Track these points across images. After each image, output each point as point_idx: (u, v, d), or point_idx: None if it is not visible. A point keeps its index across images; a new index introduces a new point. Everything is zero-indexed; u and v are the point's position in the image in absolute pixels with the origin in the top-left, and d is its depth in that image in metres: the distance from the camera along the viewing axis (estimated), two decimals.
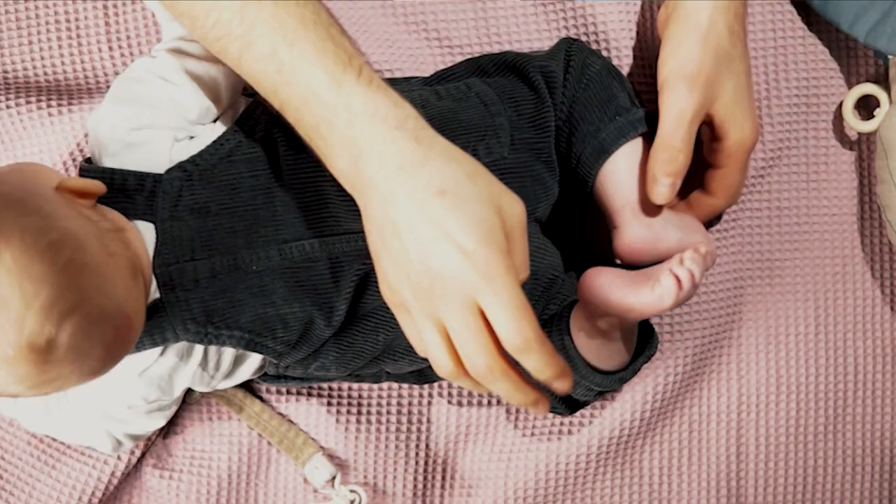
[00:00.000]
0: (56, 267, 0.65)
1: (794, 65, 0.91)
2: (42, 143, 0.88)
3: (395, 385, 0.94)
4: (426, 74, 0.90)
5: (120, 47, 0.91)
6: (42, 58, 0.91)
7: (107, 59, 0.91)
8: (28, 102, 0.89)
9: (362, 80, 0.67)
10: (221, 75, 0.79)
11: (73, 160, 0.89)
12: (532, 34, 0.91)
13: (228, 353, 0.80)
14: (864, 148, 0.92)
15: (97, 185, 0.74)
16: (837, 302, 0.93)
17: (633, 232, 0.80)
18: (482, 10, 0.92)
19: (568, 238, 0.87)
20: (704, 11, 0.78)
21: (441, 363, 0.67)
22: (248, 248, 0.76)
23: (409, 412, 0.94)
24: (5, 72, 0.91)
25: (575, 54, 0.82)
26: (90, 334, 0.67)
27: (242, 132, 0.78)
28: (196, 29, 0.69)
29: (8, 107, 0.89)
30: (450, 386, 0.94)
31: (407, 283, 0.66)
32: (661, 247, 0.79)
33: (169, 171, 0.76)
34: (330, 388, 0.94)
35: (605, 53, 0.90)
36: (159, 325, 0.75)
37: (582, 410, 0.92)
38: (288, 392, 0.94)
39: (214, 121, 0.80)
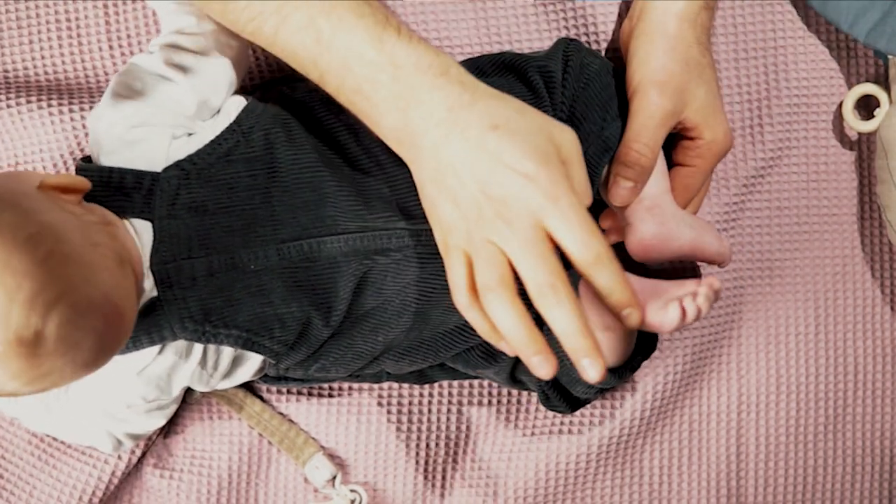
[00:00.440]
0: (36, 259, 0.65)
1: (795, 65, 0.91)
2: (42, 143, 0.88)
3: (395, 385, 0.94)
4: None
5: (120, 46, 0.91)
6: (42, 57, 0.91)
7: (107, 59, 0.91)
8: (28, 102, 0.89)
9: (403, 36, 0.68)
10: (219, 70, 0.79)
11: (74, 159, 0.89)
12: (532, 34, 0.91)
13: (227, 352, 0.80)
14: (864, 148, 0.92)
15: (81, 181, 0.74)
16: (837, 302, 0.93)
17: (645, 229, 0.80)
18: (482, 11, 0.92)
19: None
20: (672, 23, 0.79)
21: (498, 288, 0.66)
22: (245, 247, 0.76)
23: (409, 412, 0.94)
24: (6, 71, 0.91)
25: (573, 54, 0.82)
26: (78, 324, 0.66)
27: (241, 131, 0.78)
28: (228, 13, 0.70)
29: (9, 106, 0.88)
30: (450, 385, 0.94)
31: (468, 220, 0.67)
32: (674, 245, 0.79)
33: (166, 169, 0.76)
34: (330, 388, 0.94)
35: (605, 54, 0.90)
36: (157, 323, 0.75)
37: (582, 410, 0.92)
38: (288, 392, 0.94)
39: (213, 118, 0.80)
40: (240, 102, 0.81)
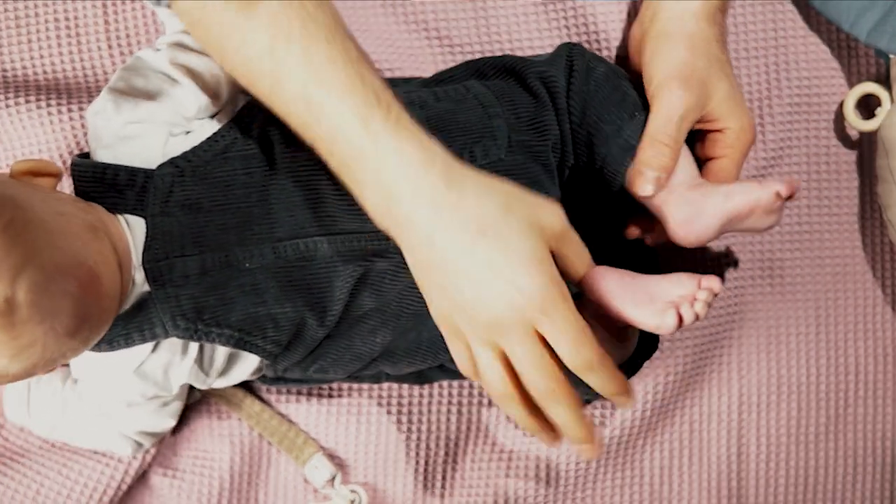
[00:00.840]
0: None
1: (795, 64, 0.91)
2: (42, 143, 0.88)
3: (395, 385, 0.94)
4: (426, 73, 0.89)
5: (119, 46, 0.91)
6: (41, 56, 0.91)
7: (106, 58, 0.91)
8: (28, 102, 0.89)
9: (390, 120, 0.68)
10: (223, 72, 0.79)
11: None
12: (532, 33, 0.91)
13: (221, 350, 0.79)
14: (865, 147, 0.92)
15: (49, 165, 0.75)
16: (838, 302, 0.93)
17: (677, 213, 0.79)
18: (482, 10, 0.92)
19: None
20: (691, 21, 0.80)
21: (498, 388, 0.70)
22: (241, 245, 0.76)
23: (409, 412, 0.94)
24: (4, 71, 0.91)
25: (577, 59, 0.82)
26: (49, 289, 0.66)
27: (238, 129, 0.78)
28: (225, 62, 0.70)
29: (7, 106, 0.88)
30: (450, 385, 0.94)
31: (461, 315, 0.69)
32: (711, 218, 0.78)
33: (161, 166, 0.76)
34: (330, 389, 0.94)
35: (605, 54, 0.90)
36: (149, 319, 0.75)
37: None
38: (288, 392, 0.94)
39: (212, 116, 0.80)
40: (240, 100, 0.81)
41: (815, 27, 0.91)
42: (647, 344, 0.83)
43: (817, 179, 0.92)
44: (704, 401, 0.93)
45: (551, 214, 0.70)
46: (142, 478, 0.94)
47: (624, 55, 0.89)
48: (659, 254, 0.88)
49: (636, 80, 0.82)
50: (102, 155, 0.77)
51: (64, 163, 0.89)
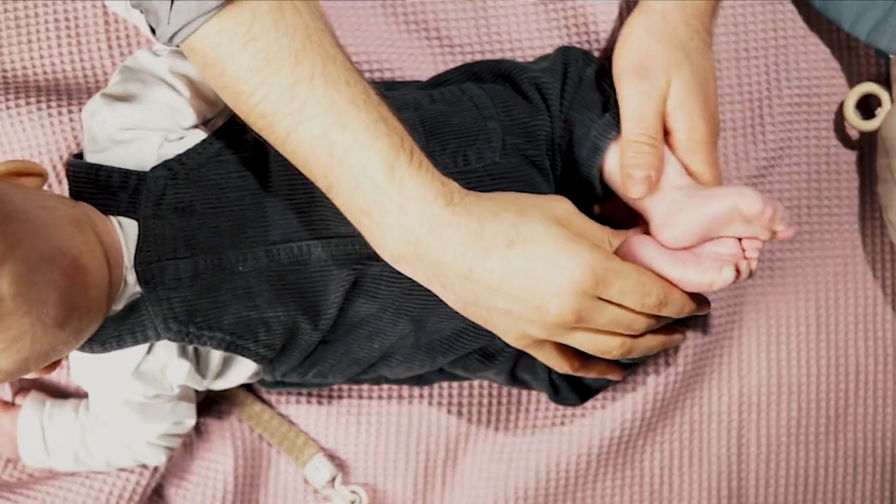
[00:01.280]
0: None
1: (795, 64, 0.91)
2: (41, 144, 0.88)
3: (394, 386, 0.94)
4: (426, 74, 0.89)
5: (119, 46, 0.91)
6: (41, 57, 0.91)
7: (106, 59, 0.91)
8: (28, 103, 0.88)
9: (413, 163, 0.67)
10: None
11: None
12: (532, 33, 0.91)
13: (216, 353, 0.79)
14: (865, 147, 0.92)
15: (33, 165, 0.74)
16: (839, 302, 0.93)
17: (658, 215, 0.75)
18: (482, 10, 0.92)
19: None
20: (658, 5, 0.79)
21: (614, 347, 0.72)
22: (234, 248, 0.76)
23: (409, 412, 0.94)
24: (4, 71, 0.91)
25: (571, 65, 0.82)
26: (32, 279, 0.66)
27: (233, 133, 0.78)
28: (240, 104, 0.68)
29: (7, 107, 0.88)
30: (450, 386, 0.94)
31: (533, 325, 0.69)
32: (686, 216, 0.74)
33: (154, 169, 0.76)
34: (330, 389, 0.94)
35: (604, 53, 0.90)
36: (140, 321, 0.75)
37: (582, 410, 0.92)
38: (289, 393, 0.94)
39: (207, 122, 0.80)
40: None
41: (815, 27, 0.91)
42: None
43: (817, 179, 0.92)
44: (704, 401, 0.93)
45: (560, 206, 0.71)
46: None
47: None
48: None
49: None
50: (96, 157, 0.77)
51: (64, 164, 0.89)
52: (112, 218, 0.76)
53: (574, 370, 0.76)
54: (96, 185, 0.76)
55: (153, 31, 0.68)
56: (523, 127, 0.80)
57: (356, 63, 0.87)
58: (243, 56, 0.66)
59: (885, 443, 0.93)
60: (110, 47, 0.91)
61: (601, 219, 0.77)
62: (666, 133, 0.78)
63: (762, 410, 0.93)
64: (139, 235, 0.75)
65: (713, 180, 0.78)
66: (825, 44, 0.91)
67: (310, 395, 0.94)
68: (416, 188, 0.67)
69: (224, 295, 0.76)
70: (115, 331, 0.75)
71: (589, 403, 0.92)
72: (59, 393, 0.92)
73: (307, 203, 0.76)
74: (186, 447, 0.93)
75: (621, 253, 0.73)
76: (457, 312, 0.72)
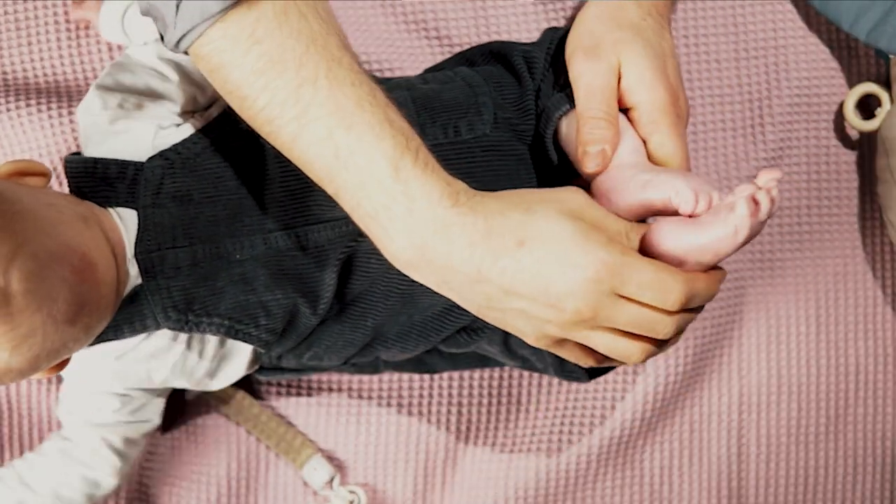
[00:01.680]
0: None
1: (795, 64, 0.91)
2: (41, 146, 0.89)
3: (394, 385, 0.94)
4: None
5: (119, 48, 0.91)
6: (41, 59, 0.91)
7: (106, 61, 0.91)
8: (28, 105, 0.89)
9: (419, 164, 0.66)
10: None
11: None
12: (532, 32, 0.91)
13: (211, 347, 0.80)
14: (865, 147, 0.92)
15: (36, 164, 0.74)
16: (839, 302, 0.93)
17: (601, 185, 0.73)
18: (482, 9, 0.92)
19: None
20: None
21: (635, 353, 0.69)
22: (231, 236, 0.76)
23: (409, 412, 0.94)
24: (4, 73, 0.91)
25: (557, 41, 0.82)
26: (43, 275, 0.66)
27: (228, 122, 0.78)
28: (245, 109, 0.68)
29: (7, 109, 0.89)
30: (450, 385, 0.94)
31: (550, 325, 0.68)
32: (624, 194, 0.71)
33: (151, 159, 0.76)
34: (329, 388, 0.94)
35: None
36: (140, 311, 0.75)
37: (582, 410, 0.92)
38: (288, 393, 0.94)
39: (202, 110, 0.80)
40: None
41: (815, 27, 0.91)
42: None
43: (817, 179, 0.92)
44: (704, 401, 0.93)
45: (574, 198, 0.69)
46: (139, 487, 0.94)
47: None
48: None
49: None
50: (93, 150, 0.78)
51: (62, 162, 0.89)
52: (112, 210, 0.76)
53: (598, 363, 0.74)
54: (94, 177, 0.76)
55: (162, 38, 0.69)
56: (514, 104, 0.80)
57: None
58: (247, 60, 0.66)
59: (885, 443, 0.93)
60: (110, 49, 0.91)
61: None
62: (628, 110, 0.76)
63: (762, 410, 0.93)
64: (139, 224, 0.76)
65: (677, 152, 0.75)
66: (825, 44, 0.91)
67: (309, 395, 0.94)
68: (421, 188, 0.66)
69: (221, 282, 0.76)
70: (112, 322, 0.75)
71: (589, 404, 0.92)
72: None
73: (301, 190, 0.76)
74: (178, 451, 0.94)
75: (645, 244, 0.69)
76: None
